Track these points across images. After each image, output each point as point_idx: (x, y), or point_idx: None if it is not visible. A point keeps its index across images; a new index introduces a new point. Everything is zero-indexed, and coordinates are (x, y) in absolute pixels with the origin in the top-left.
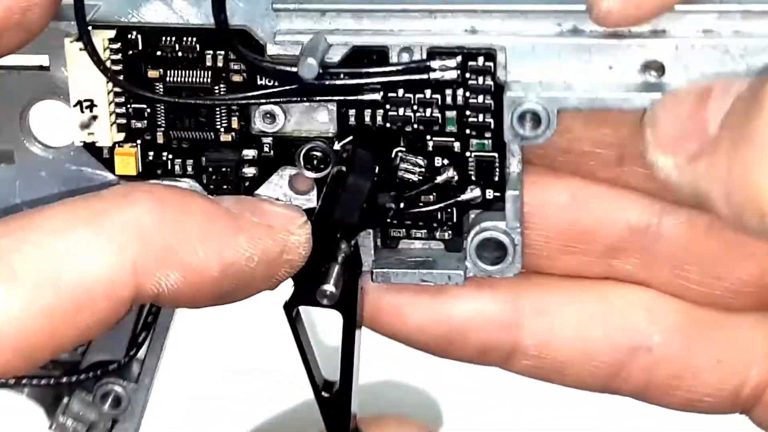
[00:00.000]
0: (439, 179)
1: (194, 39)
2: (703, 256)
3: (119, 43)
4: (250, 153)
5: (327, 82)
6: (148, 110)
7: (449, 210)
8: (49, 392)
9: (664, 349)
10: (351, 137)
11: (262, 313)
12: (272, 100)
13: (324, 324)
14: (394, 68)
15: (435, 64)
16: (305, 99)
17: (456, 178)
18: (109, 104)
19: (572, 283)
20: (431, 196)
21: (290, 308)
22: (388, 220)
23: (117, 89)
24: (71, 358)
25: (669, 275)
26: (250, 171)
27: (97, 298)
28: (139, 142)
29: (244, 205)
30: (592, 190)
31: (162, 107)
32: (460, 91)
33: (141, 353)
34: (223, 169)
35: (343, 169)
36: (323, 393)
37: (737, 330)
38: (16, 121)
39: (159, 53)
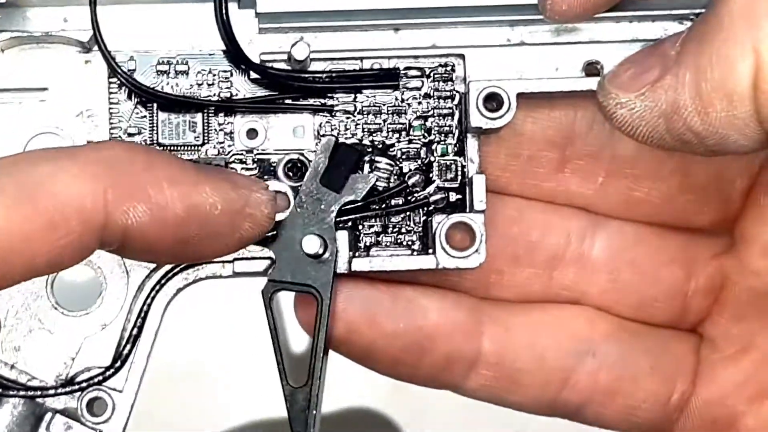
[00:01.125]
0: (408, 182)
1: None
2: (633, 262)
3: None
4: (236, 168)
5: (304, 84)
6: (146, 124)
7: (416, 215)
8: (29, 417)
9: (604, 354)
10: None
11: (247, 319)
12: (256, 106)
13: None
14: (365, 73)
15: (402, 73)
16: (285, 104)
17: (422, 182)
18: (110, 116)
19: (521, 303)
20: (400, 200)
21: (268, 292)
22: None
23: (114, 101)
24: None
25: (605, 283)
26: None
27: (70, 218)
28: None
29: (210, 167)
30: (534, 205)
31: (158, 122)
32: (424, 100)
33: (127, 363)
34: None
35: (334, 138)
36: (290, 384)
37: (664, 342)
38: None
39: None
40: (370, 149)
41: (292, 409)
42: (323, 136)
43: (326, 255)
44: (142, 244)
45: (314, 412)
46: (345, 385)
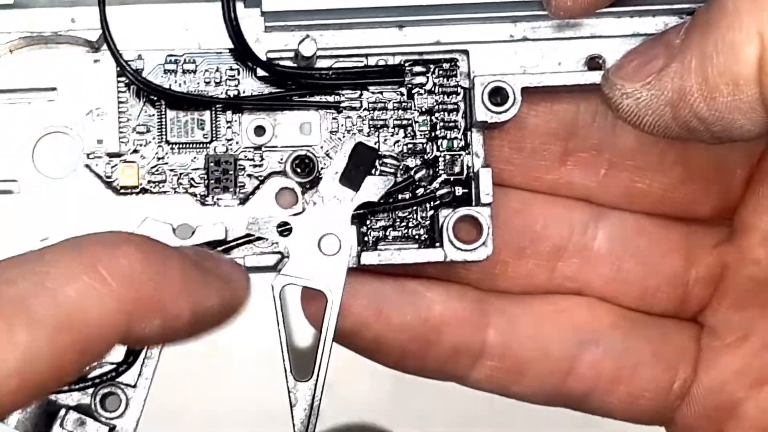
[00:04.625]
0: (415, 177)
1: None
2: (635, 252)
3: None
4: (244, 164)
5: (310, 81)
6: (154, 122)
7: (423, 209)
8: (42, 413)
9: (607, 343)
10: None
11: (255, 312)
12: (263, 103)
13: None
14: (371, 70)
15: (407, 69)
16: (292, 101)
17: (429, 176)
18: (118, 114)
19: (525, 294)
20: (407, 195)
21: (279, 286)
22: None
23: (123, 100)
24: None
25: (607, 273)
26: (244, 180)
27: (99, 341)
28: (141, 155)
29: (203, 257)
30: (537, 197)
31: (166, 120)
32: (429, 95)
33: (139, 358)
34: (224, 175)
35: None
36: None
37: (665, 330)
38: (24, 153)
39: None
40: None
41: (296, 406)
42: (349, 134)
43: (339, 252)
44: (150, 344)
45: (317, 405)
46: (340, 398)
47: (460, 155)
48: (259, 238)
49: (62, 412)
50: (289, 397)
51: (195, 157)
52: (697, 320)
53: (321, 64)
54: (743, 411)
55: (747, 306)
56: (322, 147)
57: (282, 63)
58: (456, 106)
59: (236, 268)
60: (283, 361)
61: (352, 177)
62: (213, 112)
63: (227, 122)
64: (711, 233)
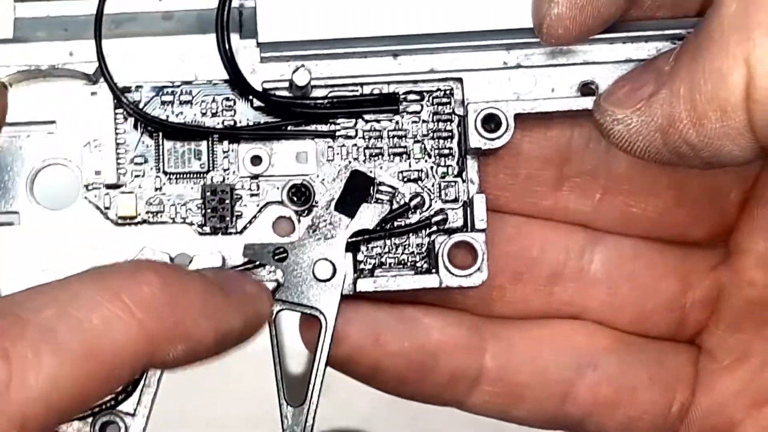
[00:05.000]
0: (410, 204)
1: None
2: (631, 276)
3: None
4: (241, 193)
5: (306, 111)
6: (152, 153)
7: (419, 236)
8: None
9: (605, 367)
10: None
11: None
12: (259, 132)
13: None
14: (366, 98)
15: (401, 97)
16: (287, 130)
17: (424, 203)
18: (116, 146)
19: (522, 319)
20: (403, 221)
21: (273, 312)
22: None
23: (120, 131)
24: None
25: (604, 297)
26: (240, 209)
27: (123, 368)
28: (139, 185)
29: (224, 278)
30: (534, 222)
31: (164, 151)
32: (424, 123)
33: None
34: (221, 204)
35: (356, 169)
36: (288, 406)
37: (663, 353)
38: (24, 185)
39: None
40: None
41: (289, 427)
42: (345, 162)
43: (334, 278)
44: (174, 369)
45: (308, 430)
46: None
47: (455, 182)
48: (257, 266)
49: None
50: (282, 422)
51: (192, 187)
52: (695, 343)
53: (317, 93)
54: None
55: (743, 327)
56: (318, 175)
57: (278, 93)
58: (451, 134)
59: (257, 285)
60: (277, 386)
61: (347, 204)
62: (210, 142)
63: (224, 152)
64: (707, 256)
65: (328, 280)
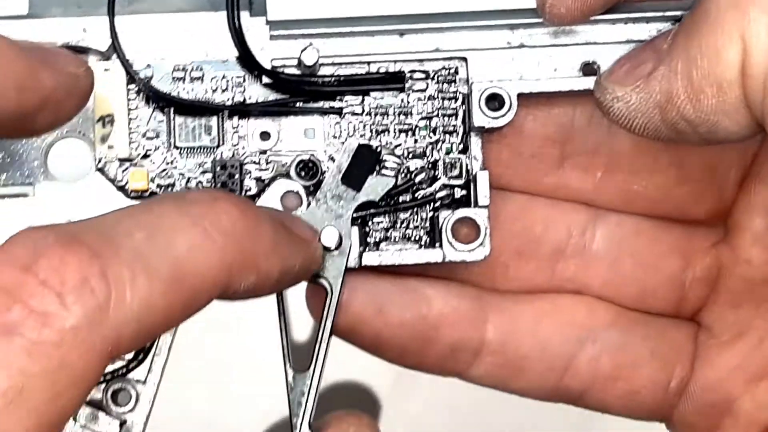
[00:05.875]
0: (416, 180)
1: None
2: (632, 253)
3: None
4: (249, 168)
5: (314, 88)
6: (163, 128)
7: (423, 211)
8: None
9: (605, 341)
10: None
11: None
12: (268, 109)
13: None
14: (372, 77)
15: (407, 76)
16: (296, 107)
17: (429, 179)
18: (129, 121)
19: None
20: (408, 197)
21: None
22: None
23: (133, 107)
24: None
25: (606, 274)
26: (249, 184)
27: (204, 294)
28: (151, 159)
29: (287, 219)
30: (536, 200)
31: (175, 126)
32: (429, 101)
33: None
34: (230, 179)
35: (360, 142)
36: (293, 372)
37: (663, 329)
38: (38, 158)
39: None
40: (379, 149)
41: (292, 392)
42: (349, 137)
43: (340, 248)
44: (237, 299)
45: (313, 396)
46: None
47: (459, 159)
48: None
49: None
50: (287, 386)
51: (203, 162)
52: (695, 320)
53: (324, 71)
54: (739, 407)
55: (741, 304)
56: (325, 151)
57: (287, 71)
58: (455, 111)
59: (312, 230)
60: (283, 352)
61: (354, 177)
62: (220, 117)
63: (233, 128)
64: (707, 234)
65: (334, 249)
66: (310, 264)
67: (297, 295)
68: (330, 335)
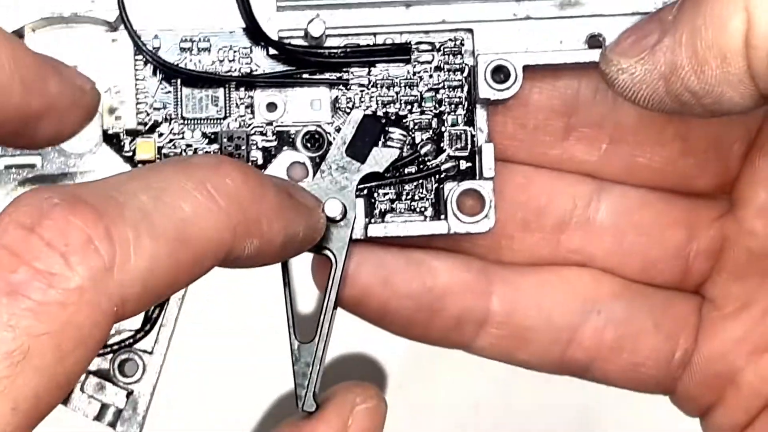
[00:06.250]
0: (421, 151)
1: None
2: (637, 225)
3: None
4: (256, 139)
5: (320, 60)
6: (170, 99)
7: (429, 183)
8: None
9: (609, 312)
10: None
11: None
12: (274, 80)
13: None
14: (378, 48)
15: (413, 47)
16: (302, 78)
17: (434, 151)
18: (136, 92)
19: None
20: (413, 168)
21: None
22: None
23: (140, 77)
24: None
25: (610, 246)
26: (256, 155)
27: (209, 256)
28: (158, 130)
29: (290, 186)
30: (541, 172)
31: (182, 97)
32: (435, 73)
33: (156, 326)
34: (237, 150)
35: (365, 113)
36: (298, 343)
37: (667, 301)
38: None
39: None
40: (384, 120)
41: (297, 363)
42: (354, 108)
43: (344, 220)
44: (241, 266)
45: (317, 367)
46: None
47: (465, 131)
48: None
49: (83, 377)
50: (292, 356)
51: (210, 132)
52: (699, 292)
53: (331, 42)
54: (742, 379)
55: (745, 277)
56: (331, 123)
57: (294, 42)
58: (461, 83)
59: (315, 198)
60: (288, 323)
61: (358, 148)
62: (226, 89)
63: (240, 99)
64: (712, 206)
65: (338, 220)
66: (313, 232)
67: (303, 269)
68: (335, 306)
